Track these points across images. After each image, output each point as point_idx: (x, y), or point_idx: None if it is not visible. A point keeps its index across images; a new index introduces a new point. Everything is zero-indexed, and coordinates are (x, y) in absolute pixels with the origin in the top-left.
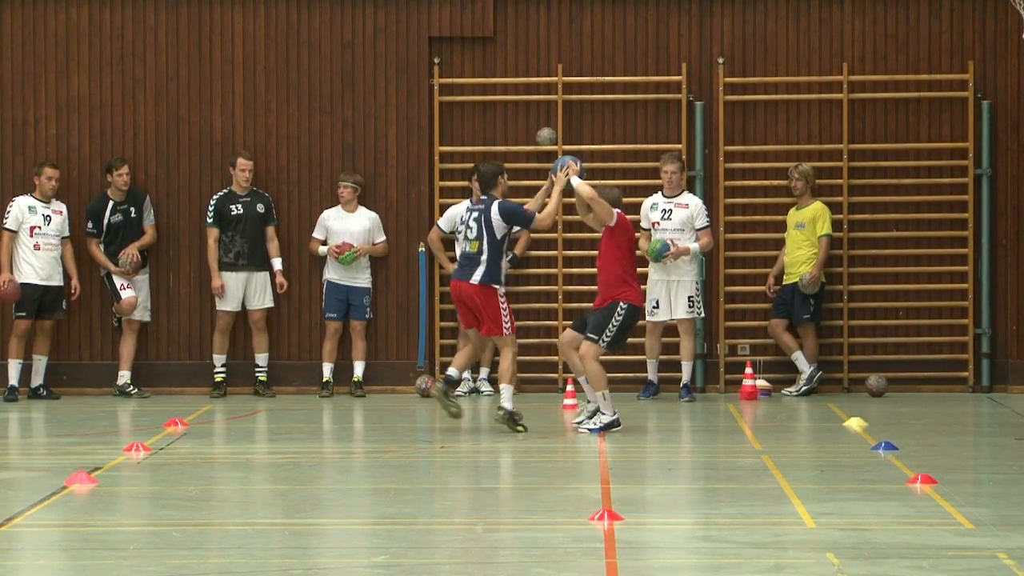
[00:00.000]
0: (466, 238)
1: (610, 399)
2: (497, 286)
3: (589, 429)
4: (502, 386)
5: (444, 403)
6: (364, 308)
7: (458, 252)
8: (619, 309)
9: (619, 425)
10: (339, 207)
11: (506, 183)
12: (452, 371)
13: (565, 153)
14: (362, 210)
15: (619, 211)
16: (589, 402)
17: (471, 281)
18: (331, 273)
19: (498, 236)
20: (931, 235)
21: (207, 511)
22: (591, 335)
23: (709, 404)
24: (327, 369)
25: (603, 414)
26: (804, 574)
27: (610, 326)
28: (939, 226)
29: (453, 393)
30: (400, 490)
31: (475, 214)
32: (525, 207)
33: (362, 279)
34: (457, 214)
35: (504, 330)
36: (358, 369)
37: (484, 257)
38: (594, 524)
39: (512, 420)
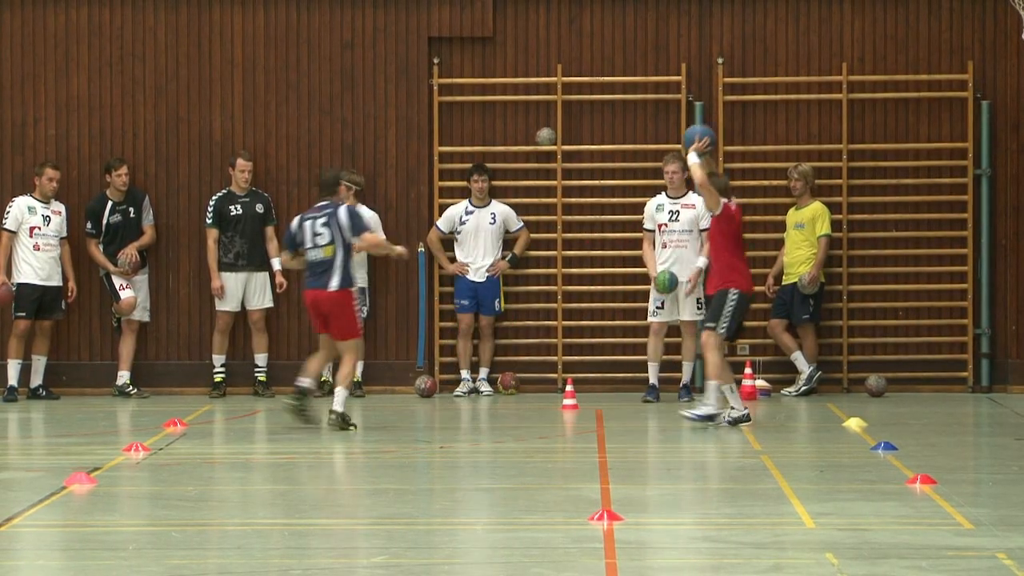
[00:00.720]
0: (317, 246)
1: (719, 392)
2: (352, 289)
3: (692, 416)
4: (339, 389)
5: (297, 418)
6: (360, 308)
7: (308, 260)
8: (730, 296)
9: (715, 420)
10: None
11: (348, 193)
12: (305, 381)
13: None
14: (362, 208)
15: (726, 201)
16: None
17: (329, 289)
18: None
19: (348, 239)
20: (931, 235)
21: (206, 511)
22: (709, 323)
23: None
24: (325, 369)
25: (705, 404)
26: (804, 574)
27: (724, 314)
28: (939, 226)
29: (310, 398)
30: (400, 490)
31: (322, 220)
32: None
33: (359, 279)
34: (457, 215)
35: (359, 332)
36: (356, 369)
37: (338, 262)
38: (594, 524)
39: (343, 421)
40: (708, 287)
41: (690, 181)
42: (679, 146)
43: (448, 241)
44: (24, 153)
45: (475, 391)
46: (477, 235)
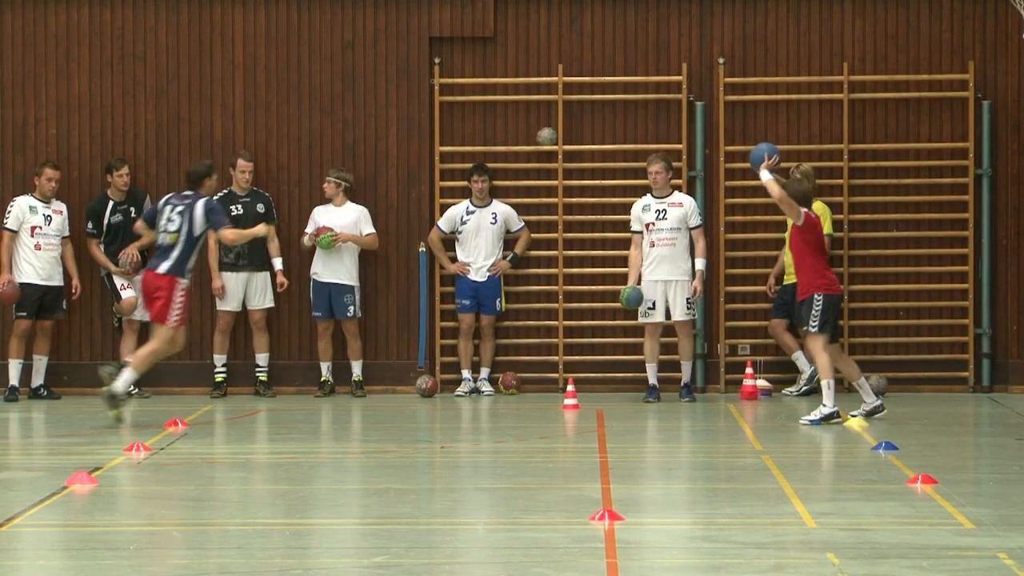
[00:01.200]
0: (166, 230)
1: (831, 390)
2: (181, 279)
3: (809, 422)
4: (128, 371)
5: (112, 402)
6: (346, 307)
7: (157, 242)
8: (815, 300)
9: (838, 417)
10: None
11: (214, 183)
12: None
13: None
14: (350, 204)
15: (805, 210)
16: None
17: (158, 271)
18: (316, 267)
19: (196, 233)
20: (931, 235)
21: (207, 511)
22: (809, 327)
23: (709, 404)
24: (324, 368)
25: (824, 406)
26: (804, 574)
27: (813, 315)
28: (939, 226)
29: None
30: (400, 490)
31: (179, 208)
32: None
33: (344, 276)
34: (457, 214)
35: (170, 322)
36: (356, 369)
37: (176, 251)
38: (594, 524)
39: (113, 401)
40: (798, 295)
41: (689, 181)
42: (680, 146)
43: (449, 241)
44: (25, 153)
45: (476, 391)
46: (478, 235)
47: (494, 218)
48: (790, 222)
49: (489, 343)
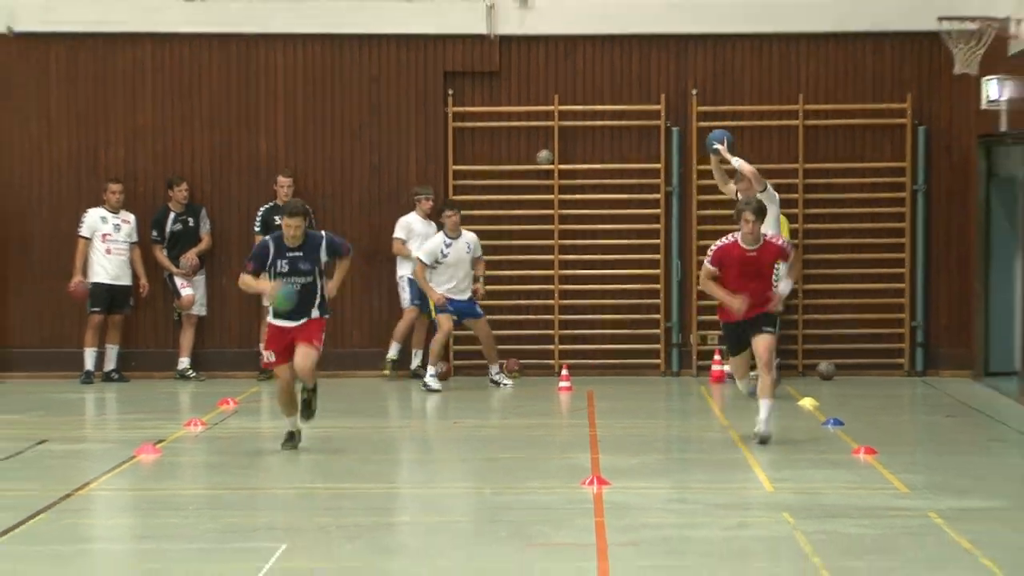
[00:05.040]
0: None
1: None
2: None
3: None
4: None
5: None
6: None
7: None
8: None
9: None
10: (414, 214)
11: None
12: None
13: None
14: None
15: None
16: None
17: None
18: (406, 270)
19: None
20: (874, 242)
21: (255, 477)
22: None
23: (684, 386)
24: (394, 349)
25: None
26: (764, 531)
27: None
28: (881, 234)
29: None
30: (419, 460)
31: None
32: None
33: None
34: (437, 248)
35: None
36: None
37: None
38: (585, 488)
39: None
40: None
41: (666, 196)
42: (659, 165)
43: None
44: (97, 172)
45: (495, 383)
46: (458, 264)
47: (468, 247)
48: None
49: (488, 341)
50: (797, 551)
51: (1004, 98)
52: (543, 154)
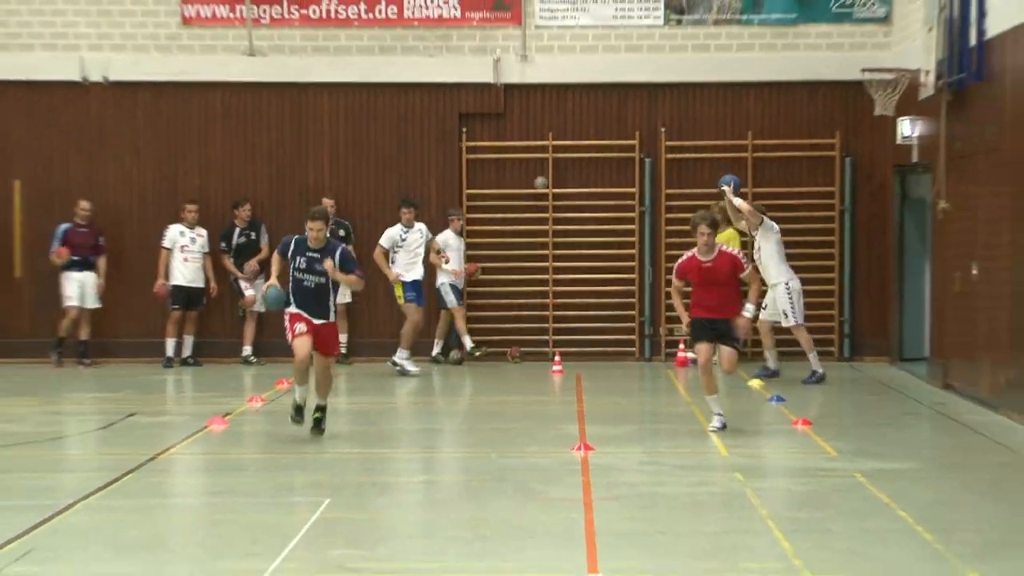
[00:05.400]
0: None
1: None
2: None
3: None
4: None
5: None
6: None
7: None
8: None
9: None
10: (449, 231)
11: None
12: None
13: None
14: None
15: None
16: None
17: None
18: (446, 278)
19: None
20: (809, 251)
21: (304, 444)
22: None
23: (654, 369)
24: (468, 341)
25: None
26: (720, 487)
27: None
28: (815, 245)
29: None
30: (435, 430)
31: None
32: None
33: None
34: (396, 235)
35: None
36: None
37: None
38: (574, 453)
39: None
40: (727, 312)
41: (641, 215)
42: (634, 189)
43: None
44: (176, 196)
45: (395, 364)
46: (415, 249)
47: (421, 234)
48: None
49: (413, 328)
50: (747, 504)
51: (915, 135)
52: (540, 180)
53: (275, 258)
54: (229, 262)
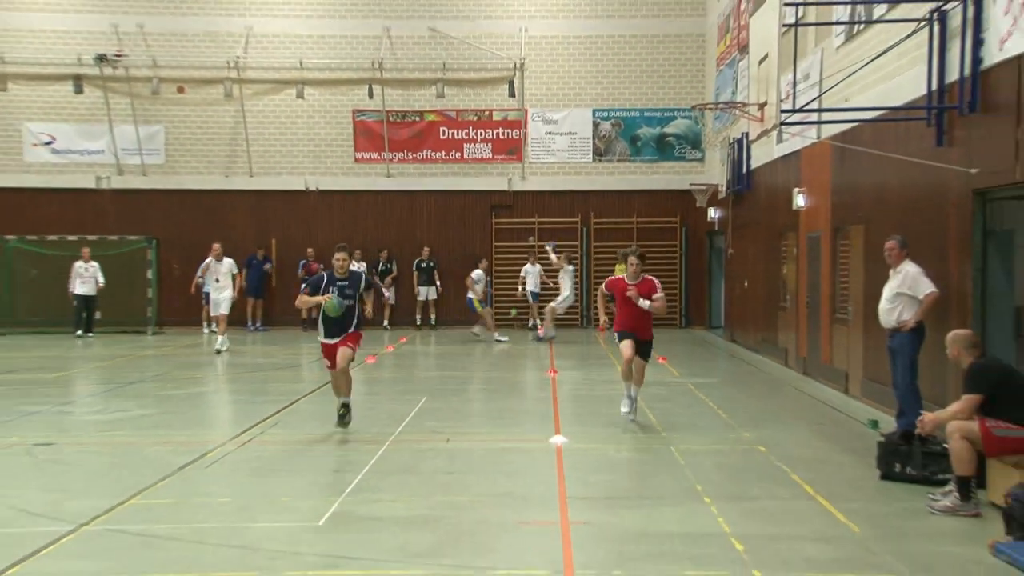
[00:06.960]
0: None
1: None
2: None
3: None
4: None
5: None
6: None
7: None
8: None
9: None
10: (529, 264)
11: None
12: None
13: (542, 249)
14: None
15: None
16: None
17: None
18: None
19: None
20: (664, 273)
21: (412, 369)
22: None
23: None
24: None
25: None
26: (644, 446)
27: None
28: (667, 270)
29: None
30: (498, 365)
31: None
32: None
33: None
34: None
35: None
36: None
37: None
38: (548, 375)
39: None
40: (647, 333)
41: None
42: (577, 243)
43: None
44: (351, 246)
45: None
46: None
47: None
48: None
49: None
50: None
51: (717, 216)
52: (549, 244)
53: (306, 291)
54: (376, 279)
